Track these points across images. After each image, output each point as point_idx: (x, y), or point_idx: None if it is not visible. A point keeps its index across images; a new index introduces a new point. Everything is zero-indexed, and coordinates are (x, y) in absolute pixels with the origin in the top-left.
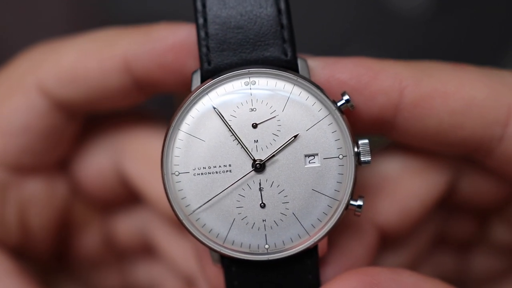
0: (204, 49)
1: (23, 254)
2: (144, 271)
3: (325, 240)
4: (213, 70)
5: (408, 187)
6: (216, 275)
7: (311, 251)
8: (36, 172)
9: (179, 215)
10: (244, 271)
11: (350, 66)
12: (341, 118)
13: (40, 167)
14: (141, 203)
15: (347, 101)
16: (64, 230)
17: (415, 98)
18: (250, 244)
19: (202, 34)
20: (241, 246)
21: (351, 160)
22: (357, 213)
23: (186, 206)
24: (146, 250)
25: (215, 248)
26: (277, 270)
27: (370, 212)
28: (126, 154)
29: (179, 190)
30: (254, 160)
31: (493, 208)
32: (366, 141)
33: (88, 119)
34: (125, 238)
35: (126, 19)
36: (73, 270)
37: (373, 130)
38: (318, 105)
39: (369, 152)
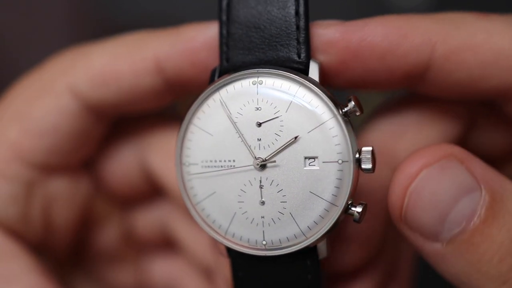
0: (224, 47)
1: (43, 250)
2: (161, 267)
3: (325, 243)
4: (230, 68)
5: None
6: (228, 266)
7: (311, 251)
8: (61, 171)
9: (187, 204)
10: (248, 264)
11: (380, 28)
12: (343, 123)
13: (66, 166)
14: (161, 198)
15: (353, 106)
16: (84, 227)
17: (445, 52)
18: (248, 239)
19: (224, 32)
20: (240, 240)
21: (351, 166)
22: (355, 220)
23: (193, 196)
24: (165, 244)
25: (217, 238)
26: (278, 267)
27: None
28: (150, 150)
29: (188, 181)
30: (255, 158)
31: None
32: (370, 148)
33: (115, 120)
34: (144, 232)
35: (126, 20)
36: (88, 266)
37: (402, 86)
38: (321, 108)
39: (370, 160)
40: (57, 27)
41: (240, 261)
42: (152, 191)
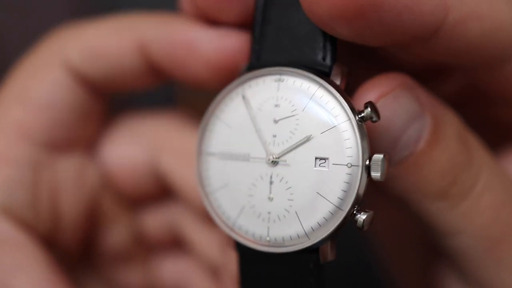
0: (256, 46)
1: (52, 244)
2: (170, 267)
3: (327, 247)
4: (259, 66)
5: None
6: (235, 264)
7: (314, 254)
8: (66, 152)
9: (201, 193)
10: (255, 259)
11: None
12: (356, 127)
13: (69, 145)
14: (172, 198)
15: (369, 112)
16: (92, 223)
17: (456, 19)
18: (254, 233)
19: (258, 31)
20: (246, 233)
21: (359, 171)
22: (359, 226)
23: (207, 185)
24: (174, 245)
25: (225, 230)
26: (282, 266)
27: None
28: (163, 149)
29: (205, 170)
30: (269, 154)
31: None
32: (381, 156)
33: (120, 111)
34: (153, 232)
35: None
36: (97, 266)
37: (401, 45)
38: (336, 110)
39: (379, 168)
40: (57, 27)
41: (247, 256)
42: (161, 190)
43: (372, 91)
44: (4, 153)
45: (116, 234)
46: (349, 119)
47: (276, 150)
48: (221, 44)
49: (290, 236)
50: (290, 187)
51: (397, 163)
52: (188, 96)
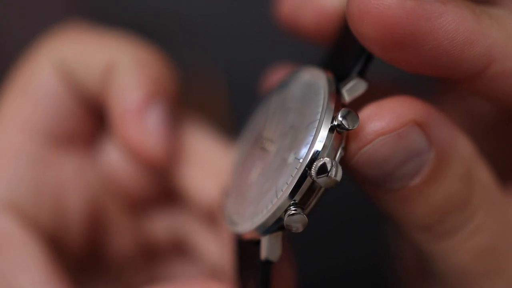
0: (331, 50)
1: (57, 244)
2: (176, 274)
3: (267, 240)
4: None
5: None
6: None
7: (256, 245)
8: (66, 149)
9: (230, 168)
10: (241, 241)
11: (453, 25)
12: (322, 129)
13: (68, 141)
14: (176, 203)
15: (340, 121)
16: (97, 226)
17: (497, 72)
18: (227, 209)
19: (338, 41)
20: (225, 209)
21: (303, 167)
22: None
23: (234, 161)
24: (179, 252)
25: (221, 205)
26: (245, 249)
27: None
28: None
29: (241, 145)
30: (264, 139)
31: None
32: (326, 162)
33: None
34: (159, 238)
35: (126, 19)
36: (103, 271)
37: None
38: (319, 109)
39: (318, 174)
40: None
41: (235, 237)
42: (166, 194)
43: (373, 123)
44: (6, 147)
45: (121, 238)
46: (321, 120)
47: (271, 137)
48: None
49: (244, 217)
50: (262, 173)
51: (385, 191)
52: (193, 97)
